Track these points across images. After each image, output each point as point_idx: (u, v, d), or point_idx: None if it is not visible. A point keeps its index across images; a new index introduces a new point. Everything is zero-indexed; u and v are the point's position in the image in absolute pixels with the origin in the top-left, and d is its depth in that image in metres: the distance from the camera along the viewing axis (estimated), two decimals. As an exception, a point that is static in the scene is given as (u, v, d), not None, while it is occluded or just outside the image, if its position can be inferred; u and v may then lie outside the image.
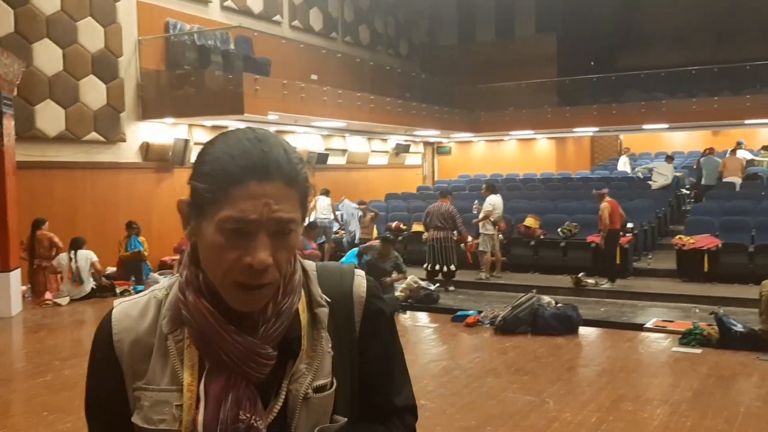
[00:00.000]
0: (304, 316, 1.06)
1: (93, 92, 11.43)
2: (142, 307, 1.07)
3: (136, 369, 1.04)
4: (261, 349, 0.98)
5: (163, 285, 1.09)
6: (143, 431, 1.02)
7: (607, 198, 11.11)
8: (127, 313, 1.07)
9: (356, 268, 1.16)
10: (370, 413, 1.11)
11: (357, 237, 13.70)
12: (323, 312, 1.07)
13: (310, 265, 1.12)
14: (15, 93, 9.08)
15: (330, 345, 1.06)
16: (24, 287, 9.38)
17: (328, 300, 1.09)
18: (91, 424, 1.11)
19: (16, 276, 8.75)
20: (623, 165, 18.94)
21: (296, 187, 0.97)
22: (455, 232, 11.22)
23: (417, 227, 13.26)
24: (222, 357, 0.98)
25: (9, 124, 8.69)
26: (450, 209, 11.24)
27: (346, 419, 1.06)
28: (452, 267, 11.23)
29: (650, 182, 15.37)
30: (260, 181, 0.93)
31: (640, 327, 7.92)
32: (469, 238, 11.95)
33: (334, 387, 1.05)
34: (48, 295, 9.40)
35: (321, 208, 13.66)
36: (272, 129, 15.56)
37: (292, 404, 1.02)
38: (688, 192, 16.27)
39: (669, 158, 16.18)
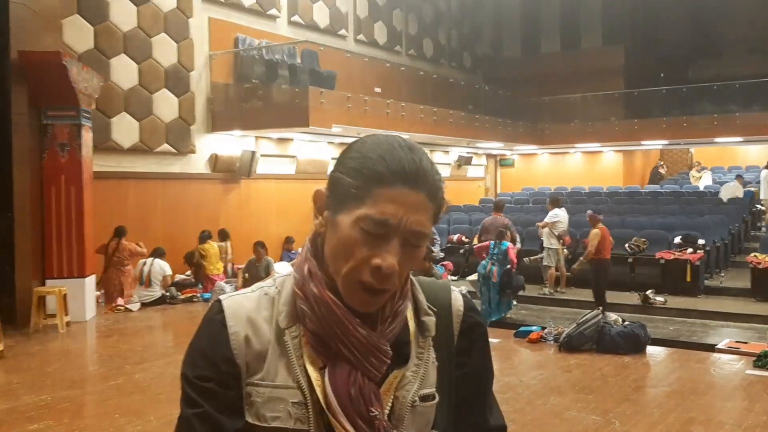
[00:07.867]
0: (411, 324, 1.06)
1: (165, 105, 11.84)
2: (255, 300, 1.05)
3: (250, 364, 1.01)
4: (382, 344, 0.99)
5: (269, 283, 1.08)
6: (254, 428, 1.00)
7: (601, 225, 10.45)
8: (241, 304, 1.04)
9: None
10: (464, 431, 1.11)
11: None
12: (431, 321, 1.07)
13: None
14: (93, 106, 9.50)
15: (434, 356, 1.07)
16: (98, 292, 9.76)
17: (434, 309, 1.08)
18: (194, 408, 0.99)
19: (90, 282, 9.10)
20: (695, 179, 18.40)
21: (434, 202, 0.98)
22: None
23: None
24: (342, 351, 0.98)
25: (87, 136, 9.08)
26: (504, 221, 11.15)
27: None
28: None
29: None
30: (406, 188, 0.95)
31: (711, 348, 7.63)
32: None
33: (437, 398, 1.05)
34: (120, 301, 9.75)
35: None
36: (336, 141, 15.52)
37: (399, 411, 1.01)
38: (764, 208, 15.67)
39: (739, 177, 15.67)
